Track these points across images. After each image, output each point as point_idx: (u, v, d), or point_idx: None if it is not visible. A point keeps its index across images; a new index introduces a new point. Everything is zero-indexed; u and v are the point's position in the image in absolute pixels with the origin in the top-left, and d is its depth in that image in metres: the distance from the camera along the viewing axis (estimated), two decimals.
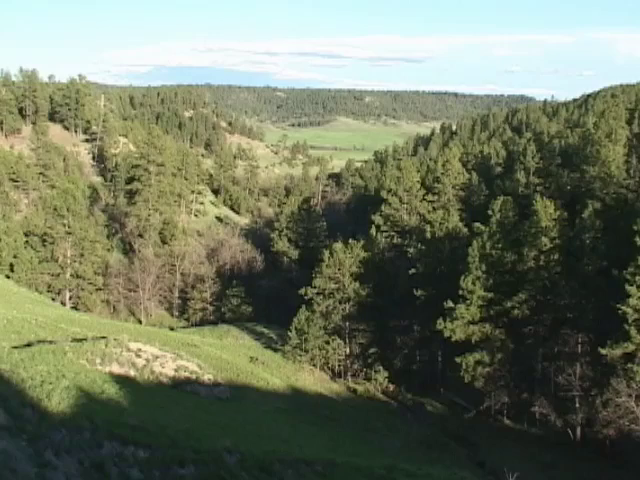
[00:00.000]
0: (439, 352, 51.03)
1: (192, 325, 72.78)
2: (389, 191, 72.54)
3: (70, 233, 70.70)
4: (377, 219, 70.30)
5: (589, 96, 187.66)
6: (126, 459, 12.55)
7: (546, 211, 42.43)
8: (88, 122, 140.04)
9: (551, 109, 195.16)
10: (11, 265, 69.38)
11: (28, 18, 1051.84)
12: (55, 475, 10.47)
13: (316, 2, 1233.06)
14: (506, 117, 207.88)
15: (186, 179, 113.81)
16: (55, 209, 70.72)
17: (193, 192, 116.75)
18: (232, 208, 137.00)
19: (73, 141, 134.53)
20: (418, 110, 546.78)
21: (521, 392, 44.24)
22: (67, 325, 43.89)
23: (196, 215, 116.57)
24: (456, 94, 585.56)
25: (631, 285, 34.23)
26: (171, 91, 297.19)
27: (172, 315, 79.02)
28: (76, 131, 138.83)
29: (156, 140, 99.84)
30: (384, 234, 67.99)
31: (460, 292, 42.95)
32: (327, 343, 51.42)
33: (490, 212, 45.51)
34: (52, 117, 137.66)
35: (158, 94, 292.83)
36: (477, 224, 47.10)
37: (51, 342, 33.20)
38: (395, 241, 68.18)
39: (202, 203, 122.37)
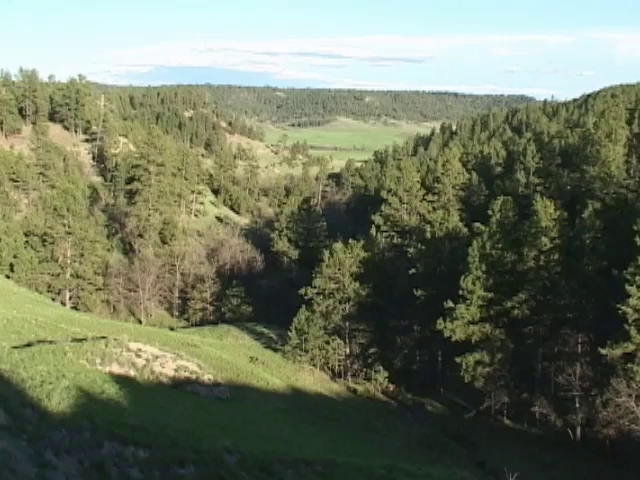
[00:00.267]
0: (439, 352, 51.03)
1: (192, 325, 72.77)
2: (389, 191, 72.54)
3: (70, 233, 70.70)
4: (377, 219, 70.30)
5: (589, 96, 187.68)
6: (126, 459, 12.55)
7: (546, 211, 42.43)
8: (88, 122, 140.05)
9: (551, 109, 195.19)
10: (11, 265, 69.38)
11: (28, 18, 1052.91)
12: (55, 475, 10.47)
13: (316, 2, 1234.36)
14: (506, 117, 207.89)
15: (186, 179, 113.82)
16: (55, 209, 70.72)
17: (193, 192, 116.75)
18: (232, 208, 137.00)
19: (73, 141, 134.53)
20: (418, 110, 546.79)
21: (521, 392, 44.23)
22: (67, 325, 43.89)
23: (196, 215, 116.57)
24: (456, 94, 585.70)
25: (631, 285, 34.23)
26: (171, 91, 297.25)
27: (172, 315, 79.02)
28: (76, 131, 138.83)
29: (156, 140, 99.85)
30: (384, 234, 67.99)
31: (460, 292, 42.95)
32: (327, 343, 51.42)
33: (490, 212, 45.50)
34: (52, 117, 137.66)
35: (158, 94, 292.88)
36: (477, 224, 47.11)
37: (51, 342, 33.19)
38: (395, 241, 68.19)
39: (202, 203, 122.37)
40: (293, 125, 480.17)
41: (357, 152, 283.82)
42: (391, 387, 49.55)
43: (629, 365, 34.50)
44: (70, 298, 72.30)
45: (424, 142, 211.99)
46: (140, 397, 27.65)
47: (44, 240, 71.81)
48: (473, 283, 42.75)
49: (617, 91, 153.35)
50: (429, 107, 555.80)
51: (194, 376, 34.91)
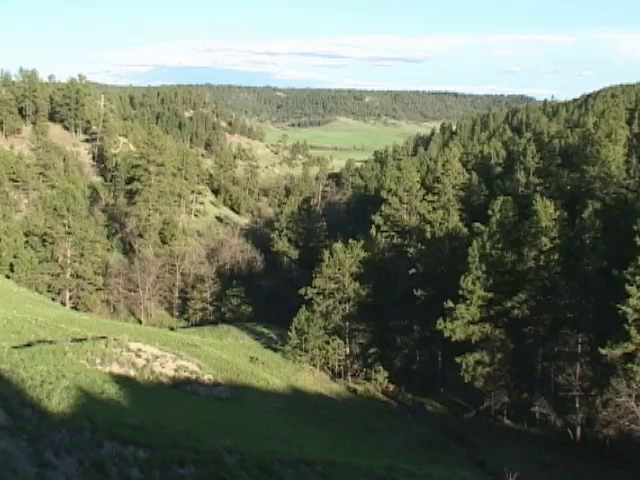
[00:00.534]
0: (439, 352, 51.03)
1: (192, 325, 72.77)
2: (389, 191, 72.53)
3: (70, 233, 70.70)
4: (377, 219, 70.29)
5: (589, 96, 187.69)
6: (126, 459, 12.55)
7: (546, 211, 42.42)
8: (88, 122, 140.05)
9: (551, 109, 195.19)
10: (11, 265, 69.37)
11: (28, 18, 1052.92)
12: (55, 475, 10.47)
13: (316, 2, 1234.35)
14: (506, 117, 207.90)
15: (186, 179, 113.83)
16: (55, 209, 70.71)
17: (193, 192, 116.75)
18: (232, 208, 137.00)
19: (73, 141, 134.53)
20: (418, 110, 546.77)
21: (521, 392, 44.23)
22: (67, 325, 43.89)
23: (196, 215, 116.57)
24: (456, 94, 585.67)
25: (631, 285, 34.22)
26: (171, 91, 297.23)
27: (172, 315, 79.02)
28: (76, 131, 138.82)
29: (156, 140, 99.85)
30: (384, 234, 67.99)
31: (460, 292, 42.94)
32: (327, 343, 51.42)
33: (490, 212, 45.50)
34: (52, 117, 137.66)
35: (158, 94, 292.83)
36: (477, 224, 47.10)
37: (51, 342, 33.19)
38: (395, 241, 68.18)
39: (202, 203, 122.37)
40: (293, 125, 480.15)
41: (357, 152, 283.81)
42: (391, 387, 49.55)
43: (629, 365, 34.49)
44: (70, 298, 72.30)
45: (424, 142, 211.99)
46: (140, 397, 27.65)
47: (44, 240, 71.81)
48: (473, 283, 42.75)
49: (617, 91, 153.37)
50: (429, 107, 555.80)
51: (194, 376, 34.91)
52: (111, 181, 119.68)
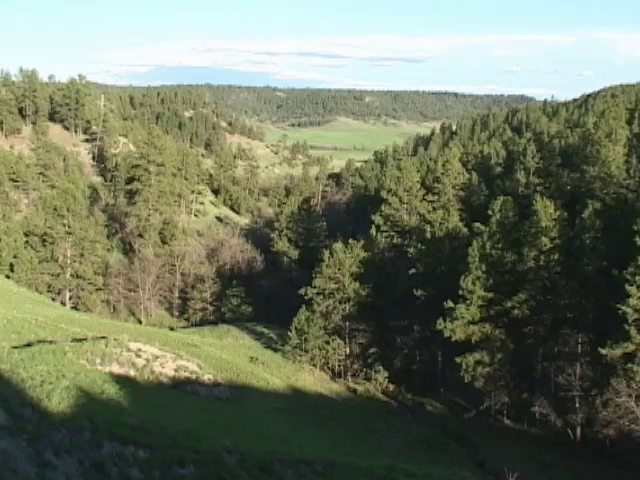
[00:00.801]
0: (439, 352, 51.02)
1: (192, 325, 72.77)
2: (389, 191, 72.51)
3: (70, 233, 70.70)
4: (377, 219, 70.27)
5: (589, 96, 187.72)
6: (126, 459, 12.55)
7: (546, 211, 42.42)
8: (88, 122, 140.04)
9: (551, 109, 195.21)
10: (11, 265, 69.37)
11: (28, 18, 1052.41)
12: (55, 475, 10.47)
13: (316, 2, 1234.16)
14: (506, 117, 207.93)
15: (186, 179, 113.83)
16: (55, 209, 70.71)
17: (193, 192, 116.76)
18: (232, 208, 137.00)
19: (73, 141, 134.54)
20: (418, 110, 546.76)
21: (521, 392, 44.23)
22: (67, 325, 43.88)
23: (196, 215, 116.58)
24: (456, 94, 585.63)
25: (631, 285, 34.22)
26: (171, 91, 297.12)
27: (172, 315, 79.02)
28: (76, 131, 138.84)
29: (156, 140, 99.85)
30: (384, 234, 67.97)
31: (460, 292, 42.94)
32: (327, 343, 51.41)
33: (490, 212, 45.50)
34: (52, 117, 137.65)
35: (158, 94, 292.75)
36: (477, 224, 47.10)
37: (51, 342, 33.19)
38: (395, 241, 68.16)
39: (202, 203, 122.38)
40: (293, 125, 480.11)
41: (357, 152, 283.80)
42: (391, 387, 49.55)
43: (629, 365, 34.49)
44: (70, 298, 72.30)
45: (424, 142, 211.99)
46: (140, 397, 27.65)
47: (44, 240, 71.80)
48: (473, 283, 42.75)
49: (617, 91, 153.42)
50: (429, 107, 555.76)
51: (194, 376, 34.91)
52: (111, 181, 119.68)
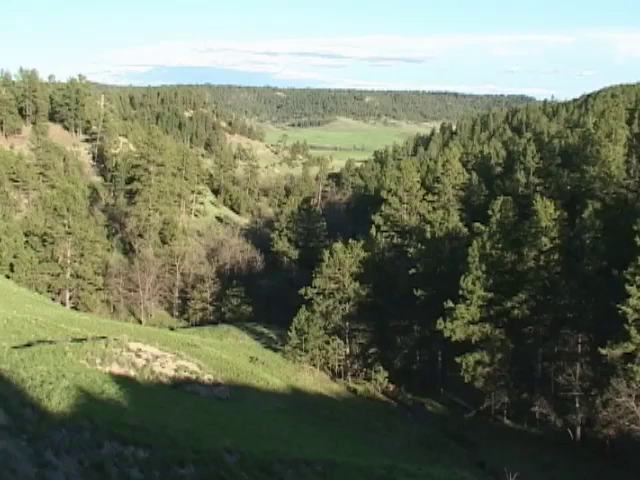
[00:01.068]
0: (439, 352, 51.02)
1: (192, 325, 72.77)
2: (389, 191, 72.48)
3: (70, 233, 70.70)
4: (377, 219, 70.25)
5: (589, 96, 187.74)
6: (126, 459, 12.55)
7: (546, 211, 42.42)
8: (88, 122, 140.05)
9: (551, 109, 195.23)
10: (11, 265, 69.37)
11: (28, 18, 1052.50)
12: (55, 475, 10.47)
13: (316, 2, 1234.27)
14: (506, 117, 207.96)
15: (186, 179, 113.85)
16: (55, 209, 70.71)
17: (193, 192, 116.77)
18: (232, 208, 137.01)
19: (73, 141, 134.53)
20: (418, 110, 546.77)
21: (521, 392, 44.23)
22: (67, 325, 43.88)
23: (196, 215, 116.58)
24: (456, 94, 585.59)
25: (631, 285, 34.22)
26: (171, 91, 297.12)
27: (172, 315, 79.02)
28: (76, 131, 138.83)
29: (156, 140, 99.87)
30: (384, 234, 67.95)
31: (460, 292, 42.94)
32: (327, 343, 51.42)
33: (490, 212, 45.50)
34: (52, 117, 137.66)
35: (158, 94, 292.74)
36: (477, 224, 47.10)
37: (51, 342, 33.19)
38: (395, 241, 68.14)
39: (202, 203, 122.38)
40: (293, 125, 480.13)
41: (357, 152, 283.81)
42: (391, 387, 49.55)
43: (629, 365, 34.49)
44: (70, 298, 72.30)
45: (424, 142, 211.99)
46: (140, 397, 27.64)
47: (44, 240, 71.80)
48: (473, 283, 42.75)
49: (617, 91, 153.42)
50: (429, 107, 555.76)
51: (194, 376, 34.91)
52: (111, 181, 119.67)
